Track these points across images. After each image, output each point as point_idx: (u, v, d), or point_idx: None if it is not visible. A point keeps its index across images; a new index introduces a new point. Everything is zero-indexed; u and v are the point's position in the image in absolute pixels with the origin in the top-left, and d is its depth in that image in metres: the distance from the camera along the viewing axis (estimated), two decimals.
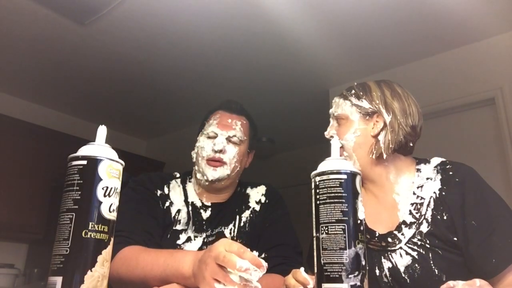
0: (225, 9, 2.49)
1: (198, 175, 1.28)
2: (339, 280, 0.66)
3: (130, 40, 2.83)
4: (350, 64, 3.07)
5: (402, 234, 1.04)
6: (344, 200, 0.69)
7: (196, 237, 1.25)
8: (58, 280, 0.63)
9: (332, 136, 1.13)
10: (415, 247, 1.01)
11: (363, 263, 0.68)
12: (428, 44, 2.83)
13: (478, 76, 2.73)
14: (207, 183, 1.27)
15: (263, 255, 1.21)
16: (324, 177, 0.71)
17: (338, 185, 0.70)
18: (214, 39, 2.82)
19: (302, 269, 0.83)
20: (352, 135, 1.10)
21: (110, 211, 0.68)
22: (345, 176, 0.70)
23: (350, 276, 0.66)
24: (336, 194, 0.69)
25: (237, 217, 1.31)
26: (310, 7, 2.46)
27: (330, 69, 3.17)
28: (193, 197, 1.31)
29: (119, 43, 2.87)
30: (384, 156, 1.06)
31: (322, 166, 0.73)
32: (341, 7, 2.45)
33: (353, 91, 1.14)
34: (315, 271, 0.70)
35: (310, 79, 3.32)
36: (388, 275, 1.03)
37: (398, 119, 1.07)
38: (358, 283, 0.66)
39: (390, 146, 1.06)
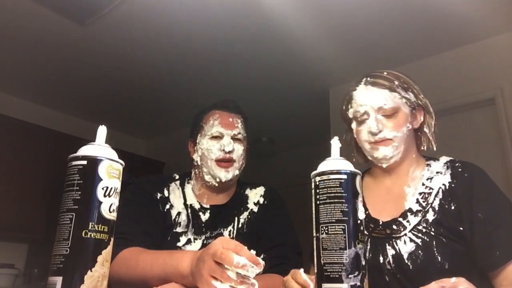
0: (225, 9, 2.49)
1: (207, 177, 1.28)
2: (339, 280, 0.66)
3: (130, 40, 2.83)
4: (350, 64, 3.07)
5: (408, 221, 1.05)
6: (344, 200, 0.69)
7: (196, 239, 1.25)
8: (58, 280, 0.63)
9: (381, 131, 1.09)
10: (420, 234, 1.02)
11: (363, 263, 0.68)
12: (428, 44, 2.83)
13: (478, 76, 2.73)
14: (217, 184, 1.28)
15: (262, 256, 1.21)
16: (324, 177, 0.71)
17: (338, 185, 0.70)
18: (214, 39, 2.82)
19: (301, 270, 0.82)
20: (405, 128, 1.09)
21: (110, 211, 0.68)
22: (345, 176, 0.70)
23: (350, 276, 0.66)
24: (336, 194, 0.69)
25: (236, 218, 1.31)
26: (310, 7, 2.46)
27: (330, 69, 3.17)
28: (192, 200, 1.31)
29: (119, 43, 2.87)
30: (435, 149, 1.12)
31: (322, 166, 0.73)
32: (341, 7, 2.45)
33: (397, 83, 1.10)
34: (315, 271, 0.70)
35: (310, 79, 3.32)
36: (391, 262, 1.03)
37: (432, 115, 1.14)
38: (358, 283, 0.66)
39: (434, 140, 1.13)
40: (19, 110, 3.49)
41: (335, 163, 0.73)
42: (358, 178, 0.72)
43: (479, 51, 2.77)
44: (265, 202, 1.35)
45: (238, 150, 1.28)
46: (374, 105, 1.08)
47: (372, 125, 1.08)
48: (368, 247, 1.08)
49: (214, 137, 1.28)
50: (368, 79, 1.12)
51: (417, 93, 1.12)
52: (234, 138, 1.29)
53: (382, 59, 2.98)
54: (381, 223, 1.09)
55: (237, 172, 1.29)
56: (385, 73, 1.13)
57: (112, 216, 0.69)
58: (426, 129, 1.13)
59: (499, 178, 2.52)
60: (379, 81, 1.10)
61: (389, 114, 1.08)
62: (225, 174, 1.26)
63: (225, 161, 1.26)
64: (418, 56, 2.95)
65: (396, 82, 1.10)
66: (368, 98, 1.09)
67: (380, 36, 2.74)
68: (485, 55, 2.73)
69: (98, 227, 0.66)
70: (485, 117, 2.73)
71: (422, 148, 1.14)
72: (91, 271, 0.64)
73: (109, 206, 0.68)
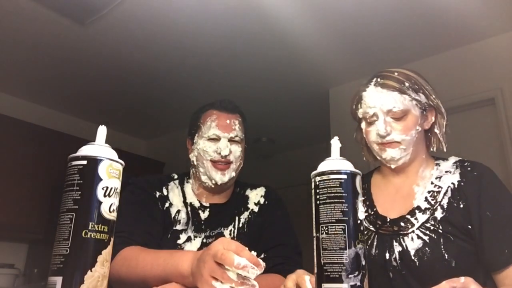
0: (225, 9, 2.49)
1: (203, 178, 1.28)
2: (339, 280, 0.66)
3: (130, 40, 2.83)
4: (350, 64, 3.07)
5: (416, 219, 1.06)
6: (344, 200, 0.69)
7: (196, 237, 1.25)
8: (58, 280, 0.63)
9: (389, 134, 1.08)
10: (427, 232, 1.03)
11: (363, 263, 0.68)
12: (428, 44, 2.83)
13: (478, 76, 2.73)
14: (213, 186, 1.28)
15: (262, 255, 1.21)
16: (324, 177, 0.71)
17: (338, 185, 0.70)
18: (214, 39, 2.82)
19: (307, 278, 0.81)
20: (414, 131, 1.08)
21: (110, 211, 0.68)
22: (345, 176, 0.70)
23: (350, 276, 0.66)
24: (336, 194, 0.69)
25: (237, 218, 1.31)
26: (310, 7, 2.46)
27: (330, 69, 3.17)
28: (191, 198, 1.32)
29: (119, 43, 2.87)
30: (445, 149, 1.12)
31: (322, 166, 0.73)
32: (341, 7, 2.45)
33: (407, 84, 1.08)
34: (315, 271, 0.70)
35: (310, 79, 3.32)
36: (397, 258, 1.04)
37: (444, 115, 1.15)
38: (358, 283, 0.66)
39: (445, 140, 1.13)
40: (19, 110, 3.49)
41: (335, 163, 0.73)
42: (358, 178, 0.72)
43: (479, 51, 2.76)
44: (266, 202, 1.35)
45: (236, 152, 1.28)
46: (384, 108, 1.07)
47: (380, 127, 1.06)
48: (375, 243, 1.08)
49: (211, 139, 1.27)
50: (378, 80, 1.10)
51: (428, 94, 1.11)
52: (231, 140, 1.28)
53: (382, 59, 2.98)
54: (388, 220, 1.09)
55: (233, 174, 1.28)
56: (395, 73, 1.10)
57: (112, 216, 0.69)
58: (436, 130, 1.14)
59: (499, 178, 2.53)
60: (389, 83, 1.08)
61: (398, 117, 1.07)
62: (221, 177, 1.26)
63: (221, 163, 1.26)
64: (418, 56, 2.95)
65: (407, 84, 1.08)
66: (378, 100, 1.07)
67: (380, 36, 2.74)
68: (485, 55, 2.73)
69: (98, 227, 0.66)
70: (485, 117, 2.73)
71: (432, 149, 1.14)
72: (91, 271, 0.64)
73: (109, 206, 0.68)
